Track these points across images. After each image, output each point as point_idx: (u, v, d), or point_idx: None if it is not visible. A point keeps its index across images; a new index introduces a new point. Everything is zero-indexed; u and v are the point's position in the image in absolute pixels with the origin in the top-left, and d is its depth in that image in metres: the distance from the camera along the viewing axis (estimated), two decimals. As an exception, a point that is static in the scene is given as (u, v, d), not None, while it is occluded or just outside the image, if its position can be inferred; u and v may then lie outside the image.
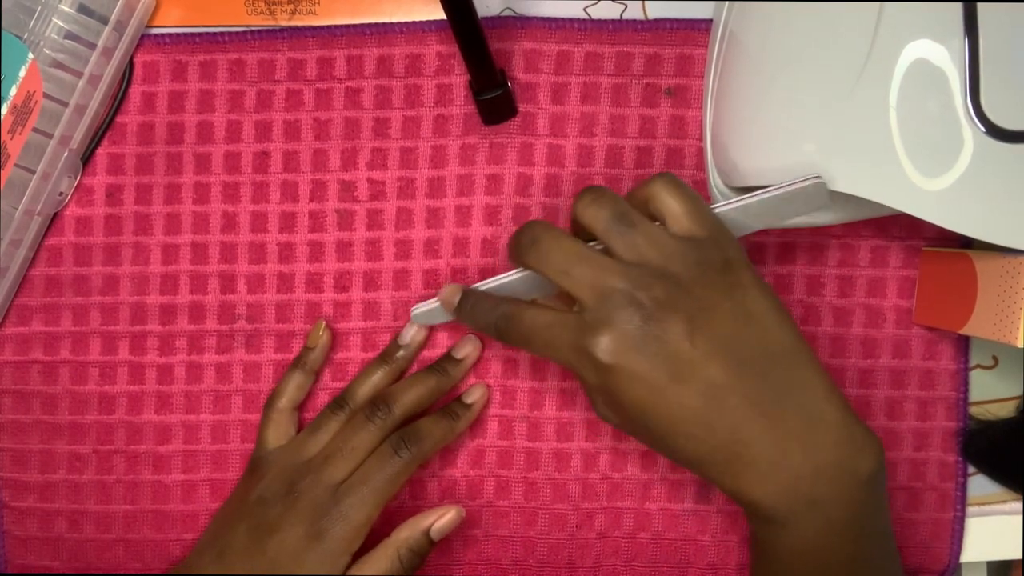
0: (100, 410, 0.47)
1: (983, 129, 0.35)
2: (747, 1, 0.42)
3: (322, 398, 0.47)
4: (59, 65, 0.44)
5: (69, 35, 0.44)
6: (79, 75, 0.44)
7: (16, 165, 0.43)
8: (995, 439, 0.47)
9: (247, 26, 0.47)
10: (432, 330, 0.47)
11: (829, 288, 0.47)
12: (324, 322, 0.46)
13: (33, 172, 0.44)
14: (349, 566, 0.41)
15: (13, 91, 0.42)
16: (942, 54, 0.35)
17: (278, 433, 0.45)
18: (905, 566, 0.47)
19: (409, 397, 0.43)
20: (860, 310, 0.47)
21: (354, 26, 0.47)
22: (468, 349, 0.46)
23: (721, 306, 0.36)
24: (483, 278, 0.42)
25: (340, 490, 0.41)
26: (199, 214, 0.47)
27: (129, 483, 0.47)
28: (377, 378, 0.45)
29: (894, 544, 0.40)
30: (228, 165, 0.47)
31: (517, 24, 0.46)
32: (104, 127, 0.47)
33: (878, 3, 0.36)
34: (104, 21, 0.44)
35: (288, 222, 0.47)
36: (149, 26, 0.47)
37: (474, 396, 0.46)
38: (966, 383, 0.47)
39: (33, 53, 0.43)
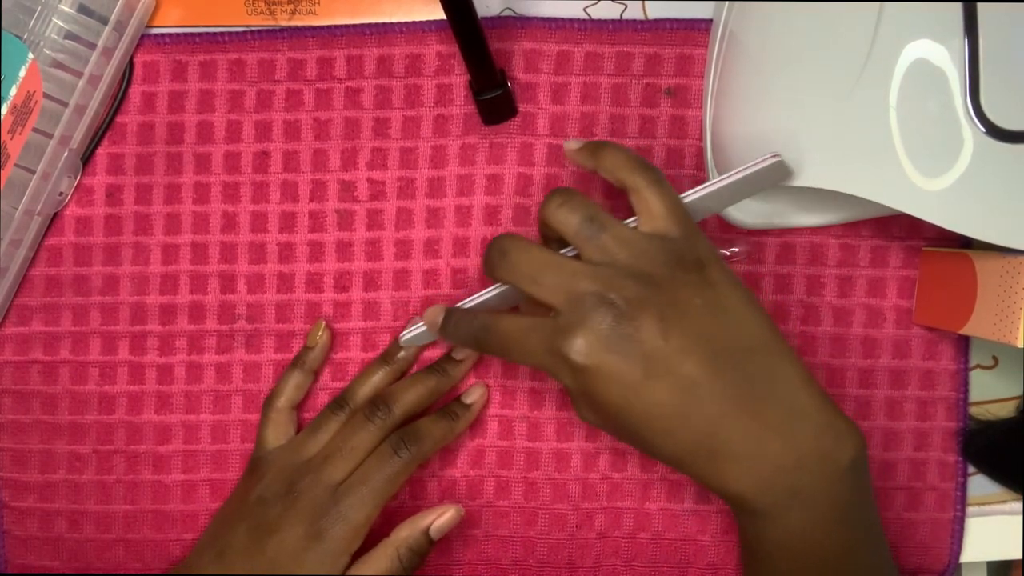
0: (100, 410, 0.47)
1: (983, 129, 0.35)
2: (747, 1, 0.42)
3: (322, 398, 0.47)
4: (59, 65, 0.44)
5: (69, 35, 0.44)
6: (79, 75, 0.44)
7: (16, 165, 0.43)
8: (995, 439, 0.47)
9: (247, 26, 0.47)
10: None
11: (829, 288, 0.47)
12: (324, 322, 0.46)
13: (33, 172, 0.44)
14: (349, 566, 0.41)
15: (13, 91, 0.42)
16: (942, 54, 0.35)
17: (277, 433, 0.45)
18: (905, 566, 0.47)
19: (409, 397, 0.43)
20: (860, 310, 0.47)
21: (354, 26, 0.47)
22: (468, 350, 0.46)
23: (693, 302, 0.36)
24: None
25: (340, 490, 0.41)
26: (199, 214, 0.47)
27: (129, 483, 0.47)
28: (377, 378, 0.45)
29: (882, 533, 0.39)
30: (228, 165, 0.47)
31: (517, 24, 0.46)
32: (104, 127, 0.47)
33: (878, 3, 0.36)
34: (104, 21, 0.44)
35: (288, 222, 0.47)
36: (149, 26, 0.47)
37: (474, 396, 0.46)
38: (966, 383, 0.47)
39: (33, 53, 0.43)
